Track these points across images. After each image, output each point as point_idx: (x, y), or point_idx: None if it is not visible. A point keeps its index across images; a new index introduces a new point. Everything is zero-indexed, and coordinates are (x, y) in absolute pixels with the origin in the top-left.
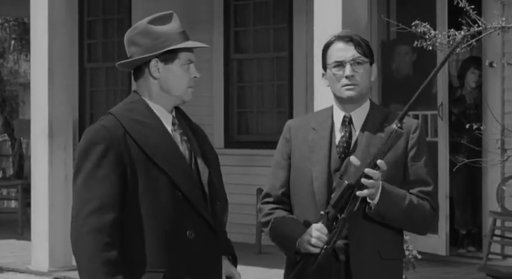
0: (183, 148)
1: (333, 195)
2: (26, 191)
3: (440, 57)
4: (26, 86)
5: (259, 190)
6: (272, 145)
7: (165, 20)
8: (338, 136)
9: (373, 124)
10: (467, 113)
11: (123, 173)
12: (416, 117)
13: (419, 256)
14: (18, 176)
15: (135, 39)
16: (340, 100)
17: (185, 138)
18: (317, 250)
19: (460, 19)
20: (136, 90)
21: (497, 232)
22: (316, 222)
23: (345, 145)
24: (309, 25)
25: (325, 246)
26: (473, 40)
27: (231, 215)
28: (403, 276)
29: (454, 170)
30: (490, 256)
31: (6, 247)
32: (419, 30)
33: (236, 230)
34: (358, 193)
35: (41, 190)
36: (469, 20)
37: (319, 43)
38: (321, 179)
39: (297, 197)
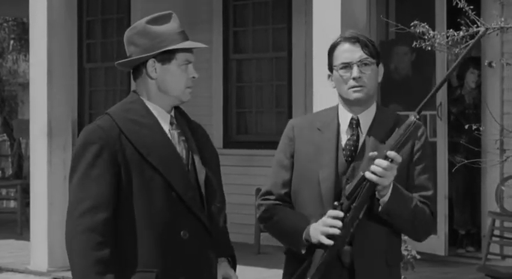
0: (180, 148)
1: (347, 186)
2: (25, 191)
3: (439, 57)
4: (25, 86)
5: (258, 190)
6: (271, 145)
7: (163, 20)
8: (344, 138)
9: (380, 127)
10: (466, 113)
11: (118, 173)
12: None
13: (418, 256)
14: (17, 176)
15: (134, 39)
16: (347, 102)
17: (183, 138)
18: (330, 241)
19: (459, 19)
20: (135, 89)
21: (496, 232)
22: None
23: (352, 148)
24: (308, 25)
25: (339, 234)
26: (473, 40)
27: (230, 215)
28: (402, 277)
29: (453, 170)
30: (489, 256)
31: (5, 247)
32: (418, 31)
33: (235, 230)
34: (366, 174)
35: (40, 190)
36: (468, 20)
37: (318, 43)
38: (328, 182)
39: (301, 198)
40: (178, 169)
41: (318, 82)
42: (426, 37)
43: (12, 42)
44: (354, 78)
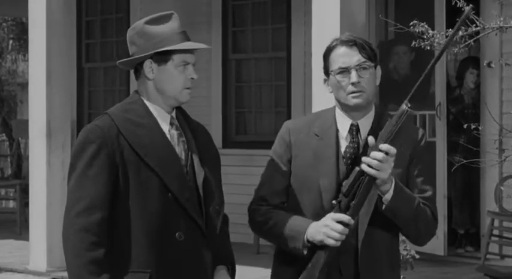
0: (180, 149)
1: (344, 183)
2: (24, 191)
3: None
4: (24, 86)
5: None
6: (270, 145)
7: (163, 20)
8: (344, 144)
9: (379, 131)
10: (465, 112)
11: (115, 173)
12: (414, 117)
13: (417, 256)
14: (16, 176)
15: (134, 38)
16: (345, 107)
17: (183, 139)
18: (333, 242)
19: (458, 19)
20: (137, 89)
21: (495, 232)
22: None
23: (353, 156)
24: (307, 25)
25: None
26: (471, 40)
27: (229, 215)
28: (402, 277)
29: (452, 170)
30: (488, 256)
31: (5, 247)
32: (417, 30)
33: (234, 230)
34: (362, 166)
35: (39, 190)
36: (467, 20)
37: (317, 43)
38: (330, 191)
39: (301, 206)
40: (176, 170)
41: (316, 82)
42: (425, 36)
43: (11, 42)
44: (352, 83)
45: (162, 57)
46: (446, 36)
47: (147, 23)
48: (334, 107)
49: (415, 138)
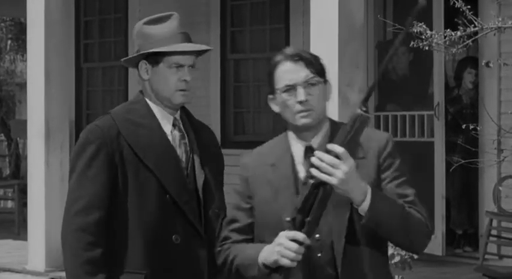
0: (181, 150)
1: (298, 198)
2: (23, 191)
3: (437, 57)
4: (23, 86)
5: None
6: None
7: (160, 20)
8: (302, 170)
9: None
10: (463, 113)
11: (115, 173)
12: (412, 117)
13: (415, 256)
14: (14, 177)
15: (134, 38)
16: (295, 128)
17: (185, 140)
18: (288, 261)
19: (456, 19)
20: (141, 89)
21: (494, 232)
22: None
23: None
24: (305, 25)
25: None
26: (470, 40)
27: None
28: (400, 277)
29: (450, 170)
30: (487, 256)
31: (3, 247)
32: (415, 31)
33: None
34: (312, 170)
35: (37, 190)
36: (465, 20)
37: (315, 43)
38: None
39: (265, 242)
40: (175, 171)
41: None
42: (424, 37)
43: (9, 42)
44: (300, 102)
45: (154, 58)
46: (445, 37)
47: (146, 23)
48: (287, 131)
49: (380, 145)
